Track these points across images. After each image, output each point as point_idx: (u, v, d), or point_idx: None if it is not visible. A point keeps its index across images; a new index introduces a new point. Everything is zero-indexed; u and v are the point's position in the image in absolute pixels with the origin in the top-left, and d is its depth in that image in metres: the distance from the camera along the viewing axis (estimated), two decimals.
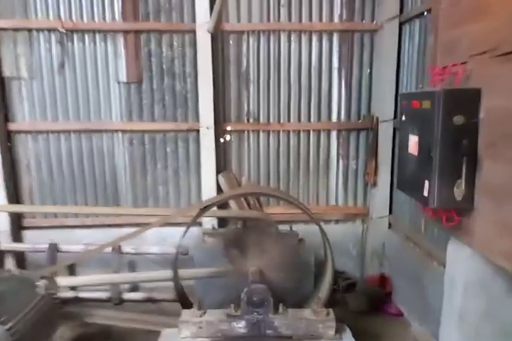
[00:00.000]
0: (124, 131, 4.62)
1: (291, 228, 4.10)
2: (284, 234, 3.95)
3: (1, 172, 4.40)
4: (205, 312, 2.78)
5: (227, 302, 2.95)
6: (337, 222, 4.86)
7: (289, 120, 4.72)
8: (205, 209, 3.23)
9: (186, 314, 2.78)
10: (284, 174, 4.82)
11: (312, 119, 4.73)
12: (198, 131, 4.60)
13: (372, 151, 4.60)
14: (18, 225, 4.66)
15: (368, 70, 4.67)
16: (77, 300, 4.18)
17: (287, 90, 4.67)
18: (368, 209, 4.85)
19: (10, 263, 4.55)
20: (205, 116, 4.50)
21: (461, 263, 2.50)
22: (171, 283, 3.25)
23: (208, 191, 4.60)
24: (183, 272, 3.40)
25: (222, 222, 4.68)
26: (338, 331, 2.77)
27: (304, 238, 4.01)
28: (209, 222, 4.48)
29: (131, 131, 4.62)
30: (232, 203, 4.47)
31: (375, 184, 4.66)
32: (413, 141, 2.44)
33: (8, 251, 4.51)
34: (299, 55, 4.62)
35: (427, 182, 2.28)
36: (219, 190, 4.59)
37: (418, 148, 2.38)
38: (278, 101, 4.68)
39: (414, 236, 4.10)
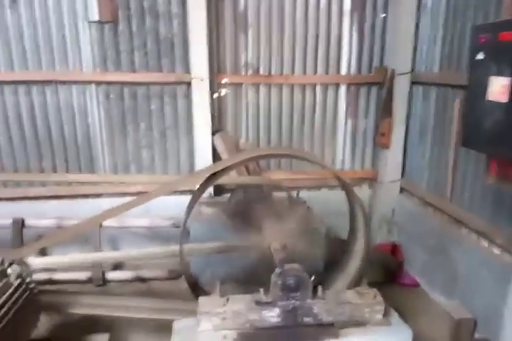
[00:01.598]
0: (98, 83, 3.83)
1: (297, 194, 3.66)
2: (295, 203, 3.49)
3: None
4: (228, 300, 2.27)
5: (230, 279, 2.63)
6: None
7: (293, 72, 4.10)
8: (215, 175, 2.64)
9: (206, 303, 2.25)
10: (286, 135, 4.26)
11: (319, 71, 4.14)
12: (188, 83, 3.90)
13: (387, 109, 4.11)
14: None
15: (383, 15, 4.08)
16: (51, 283, 3.58)
17: (292, 37, 4.02)
18: (376, 173, 4.43)
19: None
20: (198, 66, 3.80)
21: None
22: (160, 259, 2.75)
23: (202, 155, 3.99)
24: (187, 247, 2.87)
25: (217, 190, 4.12)
26: (386, 314, 2.36)
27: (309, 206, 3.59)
28: None
29: (107, 83, 3.84)
30: None
31: (387, 146, 4.21)
32: (499, 85, 1.93)
33: None
34: None
35: None
36: (215, 153, 3.99)
37: (510, 93, 1.88)
38: (281, 49, 4.04)
39: (435, 202, 3.73)
